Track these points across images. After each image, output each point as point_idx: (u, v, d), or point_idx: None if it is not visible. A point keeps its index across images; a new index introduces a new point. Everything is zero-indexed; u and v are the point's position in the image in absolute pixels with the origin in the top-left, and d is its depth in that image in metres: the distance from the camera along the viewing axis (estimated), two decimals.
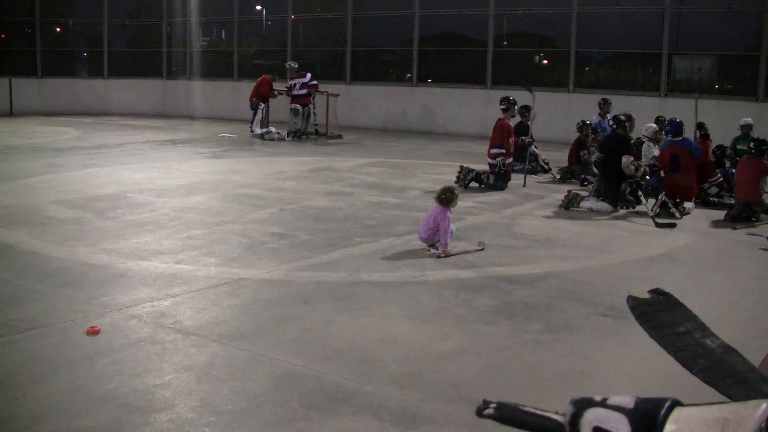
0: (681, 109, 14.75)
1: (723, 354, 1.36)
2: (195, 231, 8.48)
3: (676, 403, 0.87)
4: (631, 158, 10.75)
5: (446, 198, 7.84)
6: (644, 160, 11.83)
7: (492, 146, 12.31)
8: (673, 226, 9.68)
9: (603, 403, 0.90)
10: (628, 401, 0.90)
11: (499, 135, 12.35)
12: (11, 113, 25.67)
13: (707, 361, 1.34)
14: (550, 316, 5.84)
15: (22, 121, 23.55)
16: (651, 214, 10.09)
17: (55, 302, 5.80)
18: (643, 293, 1.42)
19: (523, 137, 13.36)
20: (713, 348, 1.37)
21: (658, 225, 9.70)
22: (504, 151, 12.24)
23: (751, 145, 10.72)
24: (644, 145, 12.17)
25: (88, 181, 11.79)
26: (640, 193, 10.57)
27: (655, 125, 12.52)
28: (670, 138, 11.27)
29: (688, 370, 1.31)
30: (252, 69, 23.02)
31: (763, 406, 0.79)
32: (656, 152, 11.95)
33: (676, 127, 11.20)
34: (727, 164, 12.30)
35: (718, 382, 1.28)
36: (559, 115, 19.43)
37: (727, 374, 1.29)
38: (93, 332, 5.13)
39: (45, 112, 25.29)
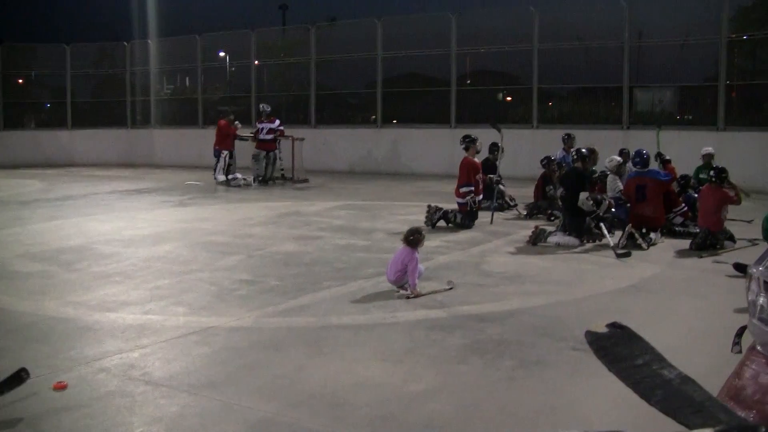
0: (644, 141, 14.96)
1: (680, 384, 1.38)
2: (163, 280, 8.43)
3: None
4: (587, 194, 10.84)
5: (414, 240, 7.87)
6: (609, 193, 11.95)
7: (460, 185, 12.35)
8: (628, 255, 9.79)
9: None
10: None
11: (466, 173, 12.40)
12: None
13: (665, 391, 1.35)
14: (521, 353, 5.84)
15: None
16: (611, 245, 10.17)
17: (22, 358, 5.72)
18: (601, 328, 1.44)
19: (491, 175, 13.43)
20: (671, 378, 1.39)
21: (618, 256, 9.79)
22: (473, 188, 12.30)
23: (711, 173, 10.85)
24: (609, 178, 12.29)
25: (54, 234, 11.70)
26: (602, 225, 10.63)
27: (618, 158, 12.65)
28: (637, 169, 11.39)
29: (646, 402, 1.32)
30: (217, 115, 23.05)
31: None
32: (620, 185, 12.07)
33: (644, 159, 11.33)
34: (692, 193, 12.45)
35: (677, 412, 1.29)
36: (523, 151, 19.59)
37: (685, 404, 1.31)
38: (60, 387, 5.06)
39: (8, 165, 25.14)
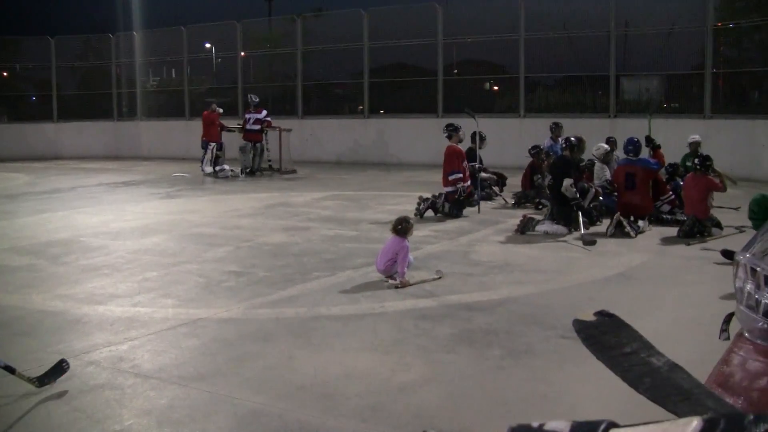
0: (631, 129, 14.97)
1: (669, 372, 1.38)
2: (151, 273, 8.41)
3: (611, 425, 0.89)
4: (571, 181, 10.85)
5: (402, 228, 7.88)
6: (597, 182, 11.98)
7: (448, 173, 12.33)
8: (593, 243, 9.83)
9: (540, 429, 0.91)
10: (563, 426, 0.91)
11: (452, 160, 12.39)
12: None
13: (653, 379, 1.36)
14: (510, 342, 5.86)
15: None
16: (581, 234, 10.17)
17: (10, 352, 5.69)
18: (589, 316, 1.44)
19: (472, 163, 13.43)
20: (659, 366, 1.39)
21: (584, 243, 9.80)
22: (461, 174, 12.30)
23: (696, 161, 10.87)
24: (596, 166, 12.32)
25: (41, 227, 11.66)
26: (579, 214, 10.62)
27: (605, 146, 12.69)
28: (628, 157, 11.40)
29: (634, 390, 1.33)
30: (203, 107, 23.02)
31: (694, 423, 0.80)
32: (608, 174, 12.10)
33: (636, 147, 11.35)
34: (679, 181, 12.48)
35: (665, 400, 1.30)
36: (511, 140, 19.62)
37: (673, 392, 1.31)
38: None
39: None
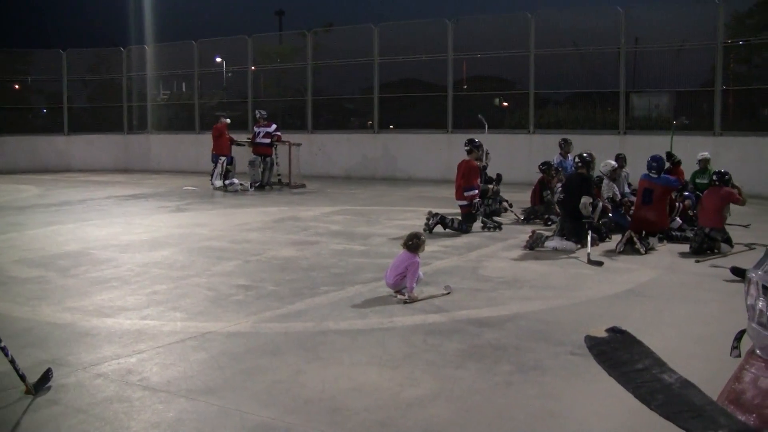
0: (641, 146, 15.00)
1: (681, 388, 1.38)
2: (160, 286, 8.42)
3: None
4: (590, 199, 10.82)
5: (413, 244, 7.87)
6: (610, 194, 11.99)
7: (464, 188, 12.31)
8: (600, 264, 9.70)
9: None
10: None
11: (471, 176, 12.37)
12: None
13: (665, 396, 1.35)
14: (519, 358, 5.84)
15: None
16: (588, 252, 10.12)
17: (19, 363, 5.70)
18: (601, 332, 1.43)
19: (489, 185, 13.47)
20: (671, 383, 1.39)
21: (589, 262, 9.75)
22: (477, 191, 12.32)
23: (714, 178, 10.82)
24: (604, 183, 12.29)
25: (51, 239, 11.69)
26: (589, 232, 10.58)
27: (613, 162, 12.66)
28: (650, 173, 11.26)
29: (646, 406, 1.32)
30: (213, 121, 23.09)
31: None
32: (616, 190, 12.10)
33: (660, 164, 11.26)
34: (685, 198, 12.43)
35: (677, 416, 1.29)
36: (520, 156, 19.62)
37: (686, 408, 1.31)
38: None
39: (5, 170, 25.15)
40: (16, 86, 29.84)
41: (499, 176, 14.27)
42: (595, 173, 12.60)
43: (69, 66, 28.70)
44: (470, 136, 13.95)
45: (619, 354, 1.46)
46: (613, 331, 1.45)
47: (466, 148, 12.81)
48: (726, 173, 10.75)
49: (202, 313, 7.30)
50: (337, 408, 4.83)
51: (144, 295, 7.98)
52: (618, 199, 12.29)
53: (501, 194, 14.19)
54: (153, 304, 7.58)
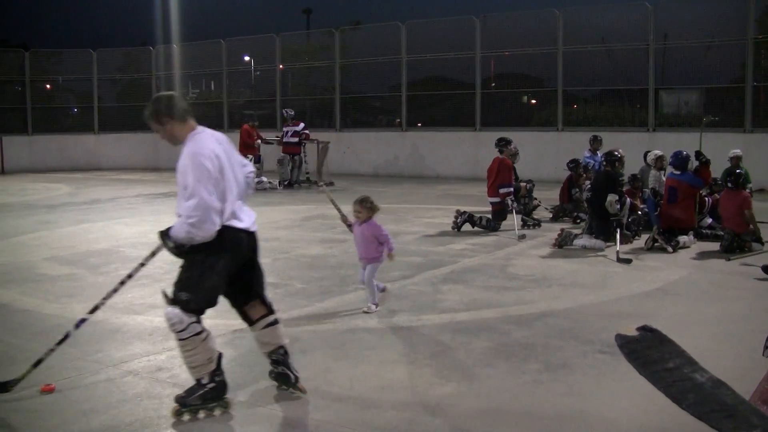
0: (670, 143, 14.86)
1: (712, 388, 1.37)
2: None
3: None
4: (616, 197, 10.75)
5: (371, 207, 7.58)
6: (652, 186, 12.01)
7: (498, 185, 12.26)
8: (629, 261, 9.64)
9: None
10: None
11: (504, 173, 12.34)
12: (2, 171, 25.80)
13: (697, 395, 1.34)
14: (547, 356, 5.82)
15: (13, 178, 23.67)
16: (617, 249, 10.05)
17: (50, 360, 5.75)
18: (631, 331, 1.43)
19: (524, 182, 13.44)
20: (703, 382, 1.38)
21: (618, 260, 9.69)
22: (512, 188, 12.29)
23: (728, 179, 10.69)
24: (651, 173, 12.30)
25: (81, 237, 11.79)
26: (618, 230, 10.51)
27: (659, 152, 12.62)
28: (673, 170, 11.25)
29: (678, 405, 1.31)
30: (242, 119, 23.15)
31: None
32: (662, 179, 12.04)
33: (680, 162, 11.19)
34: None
35: (709, 416, 1.28)
36: (548, 153, 19.53)
37: (717, 408, 1.30)
38: (48, 390, 5.12)
39: (36, 169, 25.38)
40: (47, 86, 30.12)
41: (531, 183, 14.24)
42: (629, 171, 12.53)
43: (99, 65, 28.94)
44: (498, 133, 13.90)
45: (650, 353, 1.45)
46: (644, 329, 1.45)
47: (497, 147, 12.74)
48: (741, 175, 10.63)
49: (230, 310, 7.28)
50: (366, 406, 4.84)
51: None
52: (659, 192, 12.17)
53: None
54: None
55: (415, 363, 5.69)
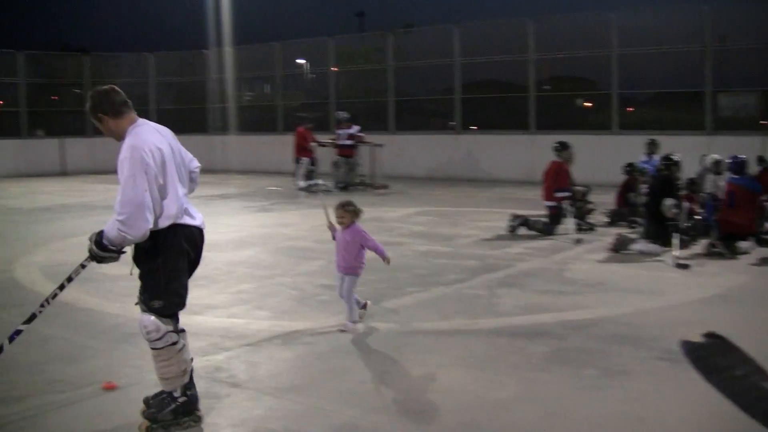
0: (728, 146, 14.59)
1: None
2: (246, 285, 8.57)
3: None
4: (673, 201, 10.62)
5: (353, 211, 7.30)
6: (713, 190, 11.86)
7: (555, 189, 12.20)
8: (687, 267, 9.51)
9: None
10: None
11: (561, 177, 12.27)
12: (64, 172, 26.28)
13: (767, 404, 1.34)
14: (605, 362, 5.77)
15: (74, 179, 24.13)
16: (675, 256, 9.91)
17: (111, 358, 5.88)
18: (697, 337, 1.42)
19: (578, 187, 13.34)
20: None
21: (677, 266, 9.56)
22: (570, 193, 12.21)
23: None
24: (708, 178, 12.18)
25: None
26: (674, 235, 10.38)
27: (716, 156, 12.44)
28: (731, 174, 11.10)
29: (747, 414, 1.31)
30: (295, 122, 23.32)
31: None
32: (721, 183, 11.86)
33: (737, 166, 11.03)
34: None
35: None
36: (604, 157, 19.35)
37: None
38: (110, 387, 5.23)
39: (96, 171, 25.75)
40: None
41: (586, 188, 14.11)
42: (687, 175, 12.37)
43: (156, 69, 29.37)
44: (553, 137, 13.81)
45: (717, 360, 1.45)
46: (710, 336, 1.44)
47: (556, 148, 12.64)
48: None
49: (287, 312, 7.41)
50: (423, 409, 4.86)
51: (230, 294, 8.13)
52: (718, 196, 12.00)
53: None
54: (239, 303, 7.73)
55: (472, 367, 5.69)
